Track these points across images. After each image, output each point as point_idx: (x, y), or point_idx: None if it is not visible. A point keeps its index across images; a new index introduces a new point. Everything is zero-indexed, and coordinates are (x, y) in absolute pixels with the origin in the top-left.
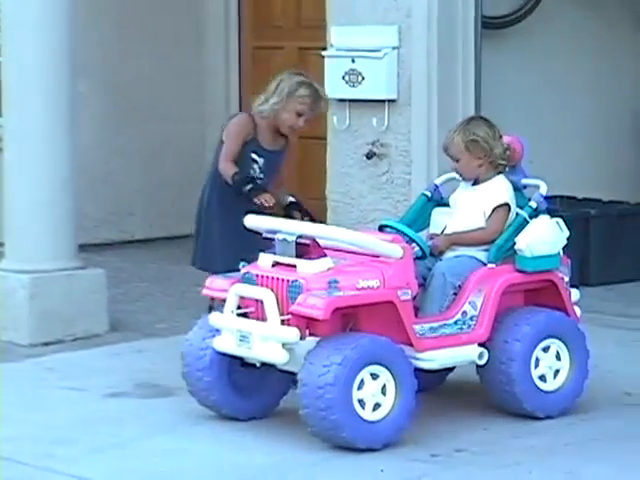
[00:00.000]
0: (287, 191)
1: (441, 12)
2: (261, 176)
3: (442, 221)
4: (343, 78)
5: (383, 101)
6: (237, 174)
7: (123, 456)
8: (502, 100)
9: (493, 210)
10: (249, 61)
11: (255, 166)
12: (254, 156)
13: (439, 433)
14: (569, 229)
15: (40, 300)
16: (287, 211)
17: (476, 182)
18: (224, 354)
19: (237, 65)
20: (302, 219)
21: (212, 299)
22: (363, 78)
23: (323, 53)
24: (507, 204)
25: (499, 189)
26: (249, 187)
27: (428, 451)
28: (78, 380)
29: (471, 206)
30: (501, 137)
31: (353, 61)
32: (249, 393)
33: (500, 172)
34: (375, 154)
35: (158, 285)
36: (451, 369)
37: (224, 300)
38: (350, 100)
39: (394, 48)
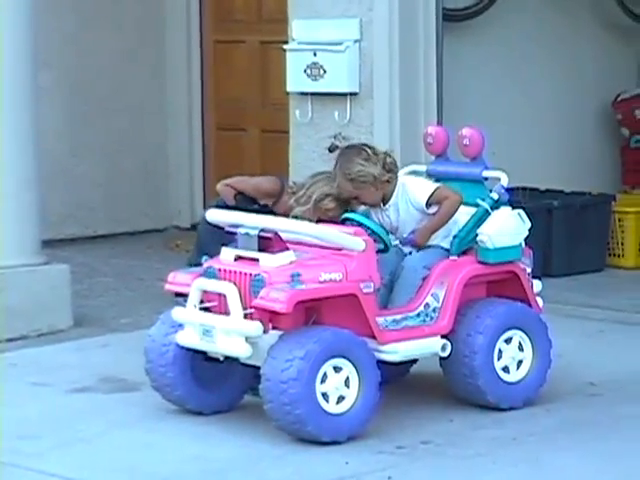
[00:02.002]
0: None
1: (402, 5)
2: None
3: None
4: (305, 71)
5: (345, 94)
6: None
7: (90, 451)
8: (464, 92)
9: (429, 201)
10: (210, 55)
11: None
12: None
13: (404, 425)
14: (531, 220)
15: (4, 296)
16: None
17: (385, 202)
18: (187, 349)
19: (199, 59)
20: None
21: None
22: (325, 71)
23: (285, 47)
24: (436, 188)
25: (412, 190)
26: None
27: (393, 443)
28: (43, 375)
29: (403, 220)
30: (373, 151)
31: (315, 54)
32: (213, 387)
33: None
34: (337, 147)
35: (121, 280)
36: (414, 361)
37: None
38: (312, 93)
39: (356, 41)
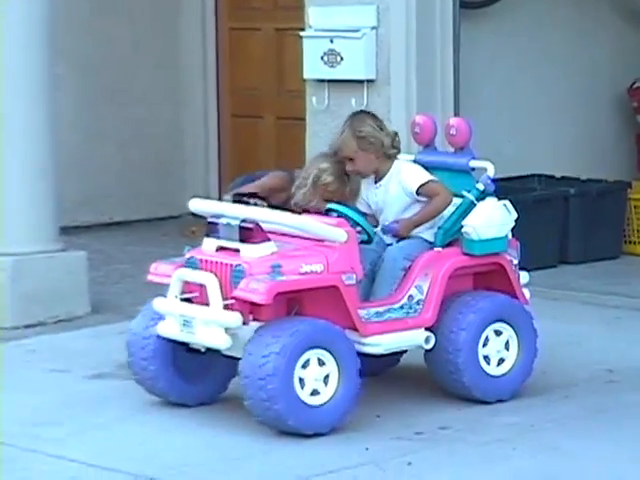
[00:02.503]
0: None
1: None
2: None
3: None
4: (322, 58)
5: (362, 81)
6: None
7: (108, 437)
8: (480, 79)
9: (419, 189)
10: (226, 42)
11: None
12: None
13: (420, 412)
14: (548, 207)
15: (22, 283)
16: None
17: (378, 178)
18: (169, 341)
19: (214, 46)
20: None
21: None
22: (342, 58)
23: (301, 34)
24: (431, 180)
25: (407, 174)
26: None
27: (412, 429)
28: (61, 362)
29: (390, 203)
30: (385, 125)
31: (332, 41)
32: (196, 379)
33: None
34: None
35: (138, 267)
36: (402, 353)
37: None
38: (329, 80)
39: (373, 28)
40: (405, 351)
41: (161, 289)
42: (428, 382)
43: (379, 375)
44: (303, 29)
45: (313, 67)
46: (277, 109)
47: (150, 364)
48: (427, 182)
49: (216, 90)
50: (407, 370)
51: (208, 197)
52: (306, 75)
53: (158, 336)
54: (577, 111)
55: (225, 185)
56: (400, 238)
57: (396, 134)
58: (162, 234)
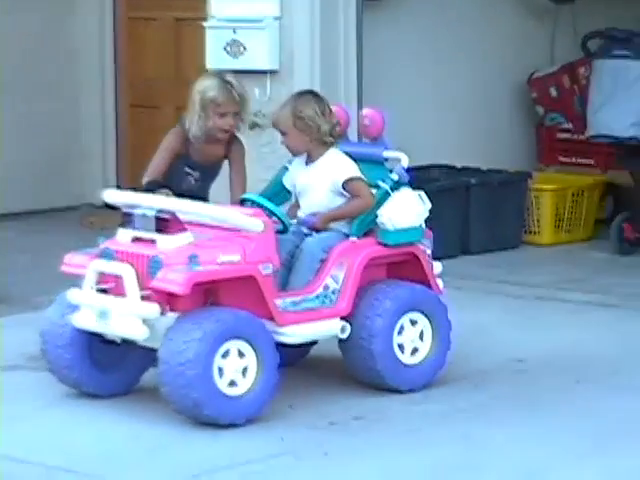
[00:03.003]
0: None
1: None
2: (198, 184)
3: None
4: (225, 49)
5: (265, 72)
6: (152, 182)
7: (23, 429)
8: (383, 69)
9: (345, 183)
10: (124, 32)
11: (190, 178)
12: (187, 170)
13: (333, 401)
14: (449, 198)
15: None
16: None
17: (309, 160)
18: (84, 330)
19: (112, 36)
20: None
21: None
22: (245, 49)
23: (204, 24)
24: (359, 178)
25: (339, 163)
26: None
27: (326, 419)
28: None
29: (314, 186)
30: (331, 112)
31: (235, 32)
32: (110, 370)
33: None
34: (258, 125)
35: (39, 258)
36: (314, 342)
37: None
38: (232, 71)
39: (276, 18)
40: (316, 341)
41: (67, 279)
42: (339, 372)
43: (294, 365)
44: (203, 19)
45: (216, 57)
46: (176, 99)
47: (65, 352)
48: (354, 178)
49: (114, 80)
50: (317, 360)
51: (107, 188)
52: (209, 65)
53: (73, 325)
54: (477, 102)
55: (124, 175)
56: (317, 230)
57: (337, 123)
58: (61, 224)
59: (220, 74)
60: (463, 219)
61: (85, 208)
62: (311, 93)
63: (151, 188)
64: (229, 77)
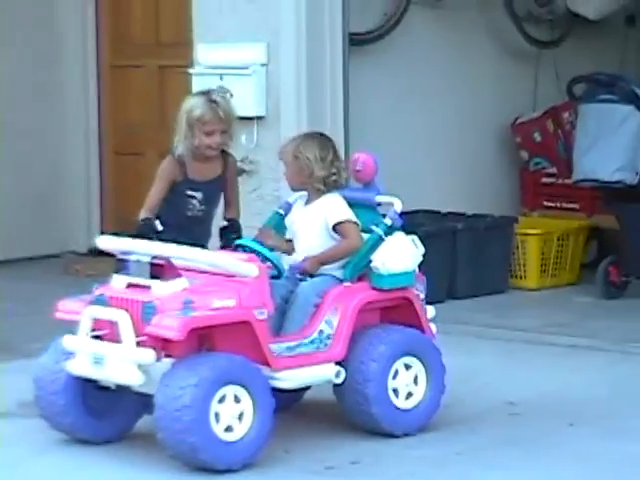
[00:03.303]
0: (238, 210)
1: (309, 29)
2: (202, 208)
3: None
4: None
5: (252, 118)
6: (146, 219)
7: (18, 476)
8: (368, 114)
9: (336, 226)
10: (107, 80)
11: (194, 201)
12: (190, 192)
13: (328, 446)
14: (436, 243)
15: None
16: (221, 233)
17: (308, 201)
18: (78, 377)
19: (95, 84)
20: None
21: None
22: (231, 95)
23: (190, 70)
24: (349, 220)
25: (332, 206)
26: (141, 234)
27: (322, 464)
28: None
29: (308, 227)
30: (335, 160)
31: (221, 78)
32: (104, 416)
33: (329, 192)
34: (245, 171)
35: (23, 305)
36: (307, 388)
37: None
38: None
39: (263, 65)
40: (310, 386)
41: (57, 326)
42: (332, 416)
43: (288, 410)
44: (186, 66)
45: None
46: (160, 145)
47: (59, 398)
48: (345, 221)
49: (97, 127)
50: (311, 405)
51: (89, 236)
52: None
53: (68, 371)
54: (461, 146)
55: (108, 223)
56: (309, 275)
57: (335, 173)
58: (43, 272)
59: (207, 93)
60: (450, 264)
61: (68, 255)
62: (320, 137)
63: (144, 230)
64: (215, 95)
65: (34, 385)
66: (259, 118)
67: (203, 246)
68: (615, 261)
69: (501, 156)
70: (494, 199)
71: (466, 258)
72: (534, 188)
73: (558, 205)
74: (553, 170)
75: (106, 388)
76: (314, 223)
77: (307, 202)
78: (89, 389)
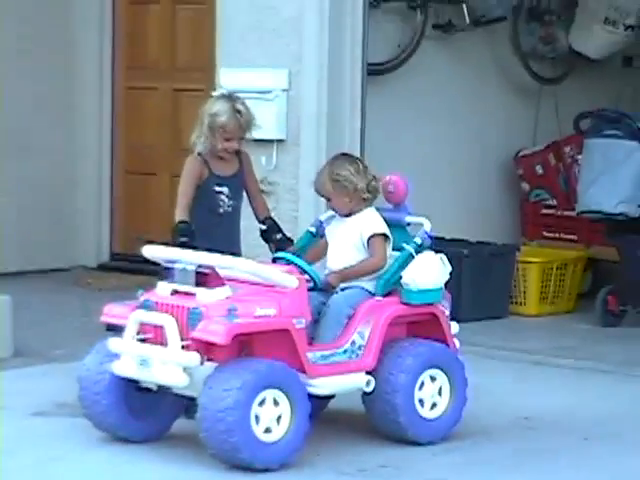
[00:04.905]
0: (264, 202)
1: (331, 57)
2: (231, 203)
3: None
4: None
5: (272, 141)
6: (182, 222)
7: (66, 469)
8: (378, 141)
9: (369, 239)
10: (122, 101)
11: (222, 196)
12: (217, 188)
13: (357, 452)
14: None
15: None
16: (264, 237)
17: (348, 215)
18: (121, 378)
19: (110, 105)
20: (278, 239)
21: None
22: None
23: (213, 94)
24: (383, 234)
25: (370, 219)
26: (181, 241)
27: (354, 466)
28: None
29: (344, 239)
30: (366, 169)
31: None
32: (144, 416)
33: (370, 204)
34: (263, 191)
35: (45, 314)
36: (332, 397)
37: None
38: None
39: (284, 90)
40: (333, 396)
41: (78, 333)
42: (359, 425)
43: (314, 418)
44: (201, 90)
45: None
46: (172, 167)
47: (103, 398)
48: (379, 234)
49: (110, 147)
50: (335, 414)
51: (99, 251)
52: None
53: (112, 373)
54: (465, 178)
55: (117, 240)
56: (332, 288)
57: (374, 178)
58: (56, 284)
59: (231, 98)
60: (455, 288)
61: (78, 270)
62: (344, 155)
63: (184, 232)
64: (239, 105)
65: (78, 385)
66: (279, 141)
67: (235, 245)
68: (613, 290)
69: (503, 187)
70: (495, 229)
71: (470, 283)
72: (534, 219)
73: (557, 236)
74: (553, 202)
75: (147, 390)
76: (349, 235)
77: (347, 215)
78: (131, 390)
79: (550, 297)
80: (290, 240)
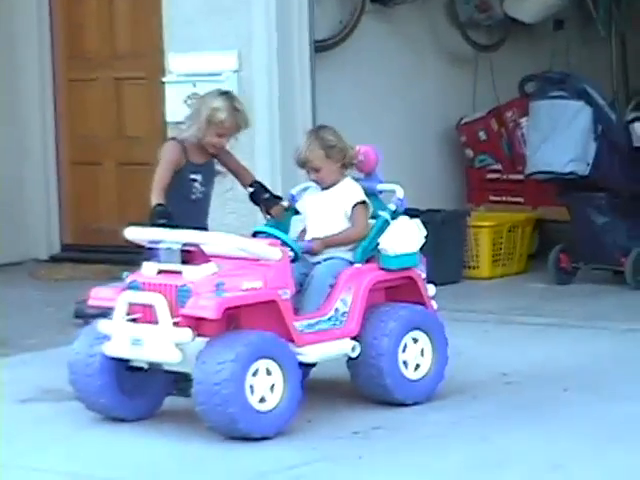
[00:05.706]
0: (246, 169)
1: (279, 37)
2: (203, 189)
3: (299, 227)
4: (185, 102)
5: None
6: (159, 205)
7: (69, 447)
8: (324, 116)
9: (353, 207)
10: (64, 93)
11: (196, 184)
12: (192, 176)
13: (347, 416)
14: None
15: None
16: (253, 199)
17: (328, 187)
18: (112, 358)
19: (52, 98)
20: (267, 199)
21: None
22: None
23: (163, 79)
24: (365, 202)
25: (351, 189)
26: (159, 222)
27: (347, 430)
28: None
29: (327, 209)
30: (342, 138)
31: (194, 85)
32: (135, 395)
33: (346, 175)
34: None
35: (4, 307)
36: (313, 365)
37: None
38: None
39: (235, 71)
40: (315, 365)
41: (41, 323)
42: (341, 392)
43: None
44: (142, 78)
45: (176, 111)
46: (117, 155)
47: (95, 380)
48: (360, 203)
49: (54, 139)
50: (321, 383)
51: (49, 243)
52: (169, 118)
53: (102, 354)
54: (409, 148)
55: (67, 231)
56: (314, 254)
57: (350, 146)
58: (11, 277)
59: (230, 96)
60: None
61: (30, 263)
62: (323, 127)
63: (161, 215)
64: (237, 104)
65: (68, 370)
66: None
67: (204, 227)
68: (565, 249)
69: (447, 155)
70: (442, 196)
71: (424, 250)
72: (479, 184)
73: (503, 199)
74: (498, 167)
75: (137, 369)
76: (332, 205)
77: (324, 188)
78: (121, 370)
79: (502, 259)
80: (278, 197)
